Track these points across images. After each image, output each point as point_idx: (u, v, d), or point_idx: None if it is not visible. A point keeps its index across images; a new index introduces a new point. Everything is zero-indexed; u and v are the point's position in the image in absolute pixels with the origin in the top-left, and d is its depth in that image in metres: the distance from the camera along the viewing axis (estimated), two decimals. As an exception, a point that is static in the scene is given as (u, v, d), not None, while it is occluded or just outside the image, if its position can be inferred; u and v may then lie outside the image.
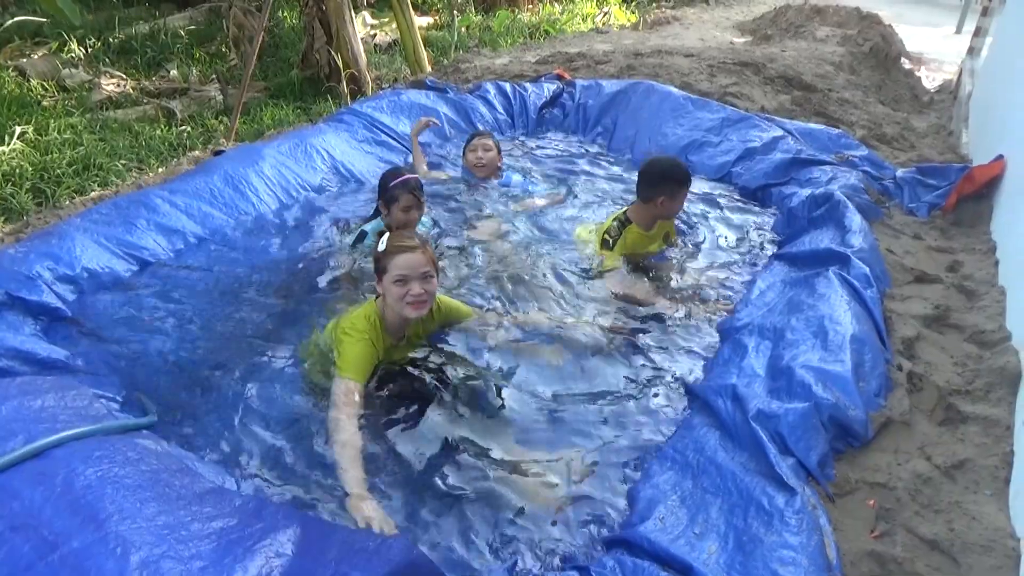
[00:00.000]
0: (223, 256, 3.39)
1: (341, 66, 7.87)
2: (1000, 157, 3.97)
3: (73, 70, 8.15)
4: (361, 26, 10.05)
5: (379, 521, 1.96)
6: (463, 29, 10.18)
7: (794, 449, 2.14)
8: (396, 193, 3.19)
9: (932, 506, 2.09)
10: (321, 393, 2.53)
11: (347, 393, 2.36)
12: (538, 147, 5.00)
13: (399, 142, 4.69)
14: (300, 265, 3.39)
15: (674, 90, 5.21)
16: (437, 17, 10.78)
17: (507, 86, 5.45)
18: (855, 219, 3.51)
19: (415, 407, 2.53)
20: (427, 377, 2.61)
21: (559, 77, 5.82)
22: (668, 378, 2.83)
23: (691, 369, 2.89)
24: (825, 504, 2.05)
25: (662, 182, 3.35)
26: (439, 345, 2.75)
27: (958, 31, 10.04)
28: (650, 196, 3.38)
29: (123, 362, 2.68)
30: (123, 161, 6.10)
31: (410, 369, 2.63)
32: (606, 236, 3.47)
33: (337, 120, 4.70)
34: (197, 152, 6.04)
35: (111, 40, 9.08)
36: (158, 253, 3.29)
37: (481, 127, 5.09)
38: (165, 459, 2.02)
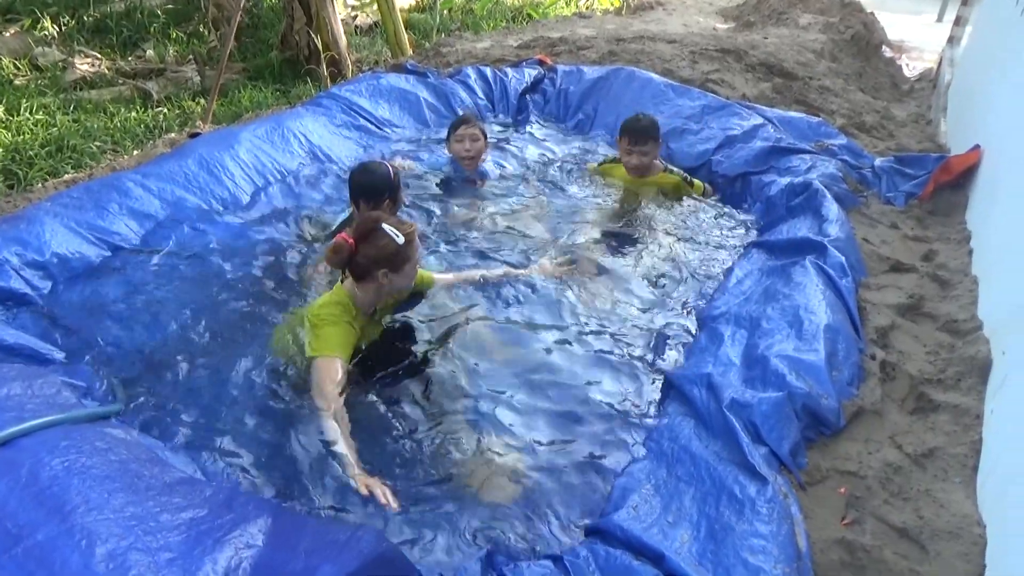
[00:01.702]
0: (197, 241, 3.34)
1: (321, 48, 7.77)
2: (977, 147, 4.00)
3: (46, 49, 7.99)
4: (342, 7, 9.91)
5: (386, 494, 2.04)
6: (446, 12, 10.08)
7: (767, 438, 2.16)
8: (399, 181, 3.17)
9: (901, 494, 2.12)
10: (299, 381, 2.52)
11: (331, 370, 2.35)
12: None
13: (378, 126, 4.65)
14: (275, 251, 3.36)
15: (655, 76, 5.19)
16: (419, -1, 10.66)
17: (488, 71, 5.41)
18: (832, 208, 3.52)
19: (389, 391, 2.53)
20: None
21: (540, 62, 5.77)
22: (643, 365, 2.84)
23: (667, 356, 2.90)
24: (796, 492, 2.07)
25: (620, 128, 4.07)
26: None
27: (939, 19, 10.08)
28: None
29: (93, 349, 2.65)
30: (97, 143, 6.01)
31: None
32: (597, 165, 4.34)
33: (315, 104, 4.63)
34: (173, 134, 5.96)
35: (86, 18, 8.89)
36: (130, 238, 3.24)
37: (462, 112, 5.04)
38: (135, 449, 2.00)
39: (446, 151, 4.17)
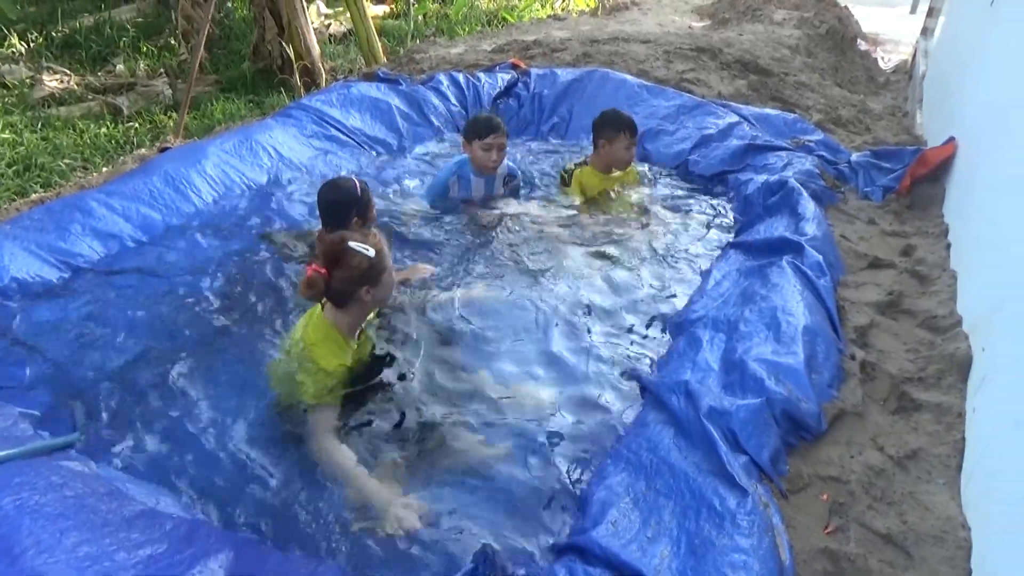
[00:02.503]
0: (163, 260, 3.26)
1: (293, 58, 7.69)
2: (952, 139, 3.98)
3: (13, 66, 7.87)
4: (315, 16, 9.83)
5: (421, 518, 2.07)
6: (420, 17, 10.01)
7: (746, 446, 2.11)
8: (368, 196, 3.05)
9: (885, 498, 2.08)
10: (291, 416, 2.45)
11: (325, 419, 2.32)
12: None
13: (349, 136, 4.57)
14: (245, 268, 3.28)
15: (629, 78, 5.16)
16: (394, 5, 10.57)
17: (460, 77, 5.35)
18: (809, 206, 3.49)
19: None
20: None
21: (514, 66, 5.73)
22: (620, 372, 2.79)
23: (645, 361, 2.85)
24: (778, 501, 2.02)
25: (601, 128, 3.95)
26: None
27: (912, 11, 10.12)
28: (595, 142, 4.01)
29: (53, 375, 2.56)
30: (67, 160, 5.92)
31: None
32: (563, 173, 4.13)
33: (285, 115, 4.56)
34: (143, 150, 5.87)
35: (54, 34, 8.78)
36: (93, 259, 3.15)
37: (436, 120, 4.98)
38: (92, 482, 1.93)
39: (464, 151, 3.85)
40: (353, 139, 4.59)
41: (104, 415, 2.40)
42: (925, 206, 3.94)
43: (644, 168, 4.46)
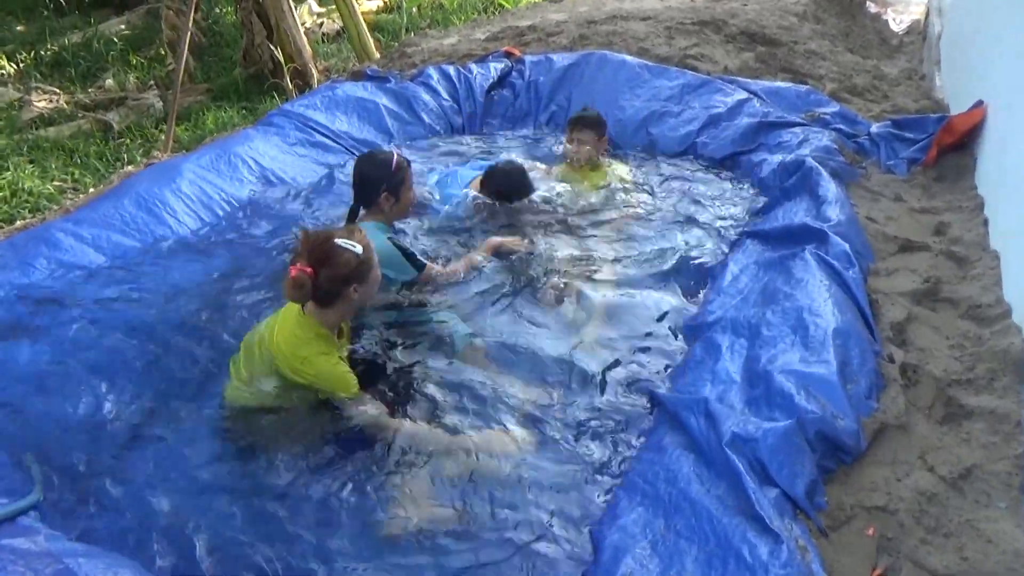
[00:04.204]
0: (137, 291, 3.03)
1: (284, 61, 7.48)
2: (980, 103, 3.67)
3: (2, 88, 7.72)
4: (307, 15, 9.59)
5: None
6: (414, 9, 9.73)
7: (777, 478, 1.85)
8: (404, 174, 2.93)
9: (940, 529, 1.81)
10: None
11: (362, 405, 2.32)
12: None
13: (336, 141, 4.32)
14: (226, 291, 3.05)
15: (629, 58, 4.86)
16: (387, -1, 10.30)
17: (451, 69, 5.07)
18: (830, 188, 3.20)
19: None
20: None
21: (508, 54, 5.44)
22: (632, 384, 2.55)
23: (659, 371, 2.60)
24: (817, 541, 1.76)
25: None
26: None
27: (923, -32, 9.66)
28: None
29: (13, 425, 2.34)
30: (56, 183, 5.75)
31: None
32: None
33: (266, 124, 4.31)
34: (131, 167, 5.68)
35: (43, 53, 8.63)
36: (60, 292, 2.93)
37: (427, 118, 4.72)
38: (37, 562, 1.71)
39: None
40: (340, 144, 4.33)
41: (64, 473, 2.18)
42: (955, 178, 3.64)
43: (625, 172, 3.97)
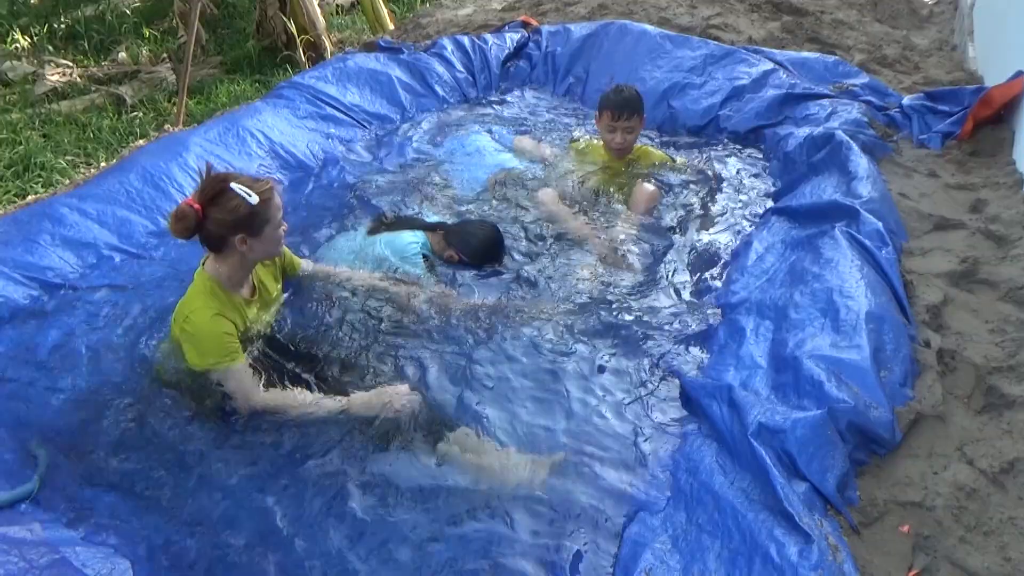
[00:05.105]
0: (144, 270, 2.97)
1: (296, 33, 7.35)
2: (1020, 74, 3.49)
3: (15, 62, 7.66)
4: (320, -14, 9.43)
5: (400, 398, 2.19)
6: (432, -24, 9.52)
7: (806, 472, 1.74)
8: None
9: (980, 527, 1.70)
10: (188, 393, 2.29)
11: (236, 376, 2.18)
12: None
13: (347, 114, 4.21)
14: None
15: (649, 28, 4.69)
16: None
17: (466, 40, 4.92)
18: (861, 163, 3.05)
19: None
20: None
21: (524, 24, 5.28)
22: (652, 368, 2.44)
23: (681, 355, 2.49)
24: (849, 539, 1.66)
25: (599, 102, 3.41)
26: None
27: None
28: None
29: (17, 410, 2.28)
30: (68, 157, 5.69)
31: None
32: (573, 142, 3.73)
33: (276, 96, 4.19)
34: (142, 141, 5.61)
35: (56, 26, 8.55)
36: (66, 272, 2.86)
37: (440, 90, 4.59)
38: (32, 551, 1.65)
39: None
40: (352, 117, 4.22)
41: (68, 461, 2.12)
42: (992, 152, 3.48)
43: (679, 158, 3.71)
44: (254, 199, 2.17)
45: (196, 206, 2.14)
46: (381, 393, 2.22)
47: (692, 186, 3.50)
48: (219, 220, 2.16)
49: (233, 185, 2.17)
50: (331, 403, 2.20)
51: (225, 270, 2.28)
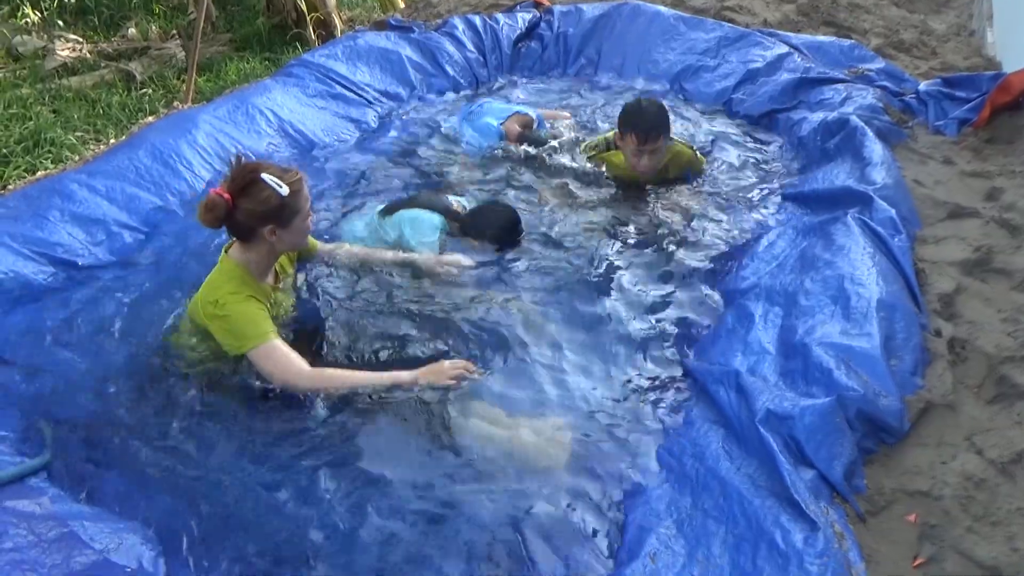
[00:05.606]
0: (154, 246, 2.97)
1: (306, 10, 7.31)
2: (1041, 60, 3.44)
3: (26, 37, 7.63)
4: (329, -38, 9.37)
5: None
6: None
7: (813, 459, 1.73)
8: None
9: (988, 517, 1.69)
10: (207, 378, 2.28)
11: (276, 354, 2.15)
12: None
13: (357, 93, 4.19)
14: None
15: (663, 9, 4.65)
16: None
17: (477, 20, 4.89)
18: (875, 149, 3.02)
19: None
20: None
21: (536, 4, 5.24)
22: (659, 352, 2.43)
23: (688, 338, 2.48)
24: (855, 527, 1.66)
25: (620, 117, 3.19)
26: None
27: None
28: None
29: (27, 389, 2.29)
30: (78, 133, 5.69)
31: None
32: (592, 151, 3.45)
33: (286, 74, 4.18)
34: (151, 118, 5.60)
35: (67, 1, 8.52)
36: (76, 249, 2.86)
37: (451, 70, 4.56)
38: (41, 525, 1.66)
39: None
40: (361, 96, 4.20)
41: (77, 436, 2.13)
42: (1009, 139, 3.42)
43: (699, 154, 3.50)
44: (285, 190, 2.15)
45: (226, 196, 2.11)
46: (432, 369, 2.18)
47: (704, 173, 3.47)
48: (249, 211, 2.14)
49: (264, 176, 2.14)
50: (376, 378, 2.18)
51: (253, 258, 2.26)
